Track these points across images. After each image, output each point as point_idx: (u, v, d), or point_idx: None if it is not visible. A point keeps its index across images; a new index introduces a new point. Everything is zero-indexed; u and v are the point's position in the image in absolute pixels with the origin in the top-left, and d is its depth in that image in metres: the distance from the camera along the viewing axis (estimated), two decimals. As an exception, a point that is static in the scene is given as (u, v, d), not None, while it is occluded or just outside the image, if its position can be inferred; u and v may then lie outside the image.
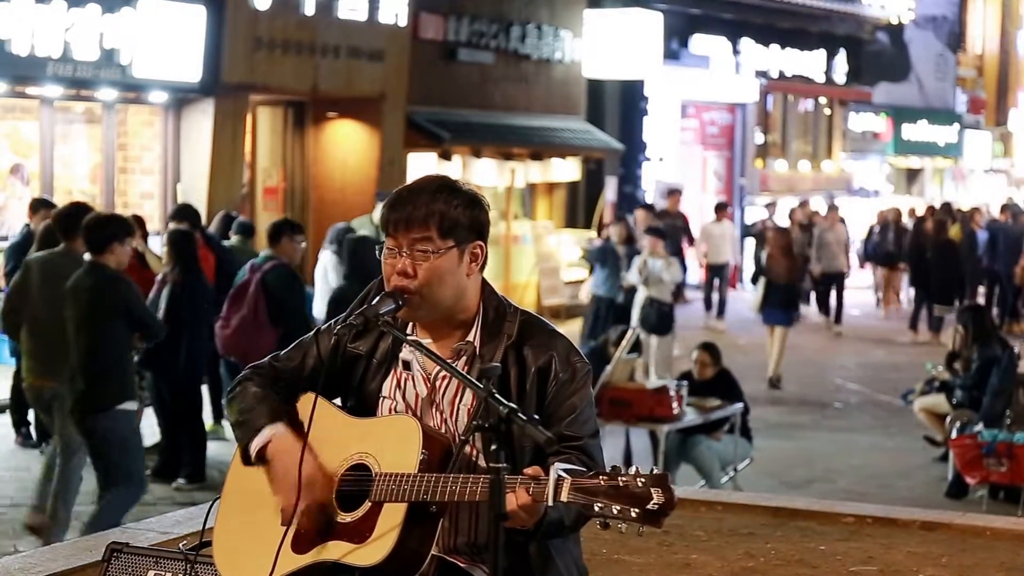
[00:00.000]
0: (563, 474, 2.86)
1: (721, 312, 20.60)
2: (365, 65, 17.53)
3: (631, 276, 14.50)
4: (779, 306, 15.65)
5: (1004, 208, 23.79)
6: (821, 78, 29.06)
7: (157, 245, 12.07)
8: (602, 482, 2.82)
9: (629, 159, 23.27)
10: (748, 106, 27.00)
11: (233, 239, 12.10)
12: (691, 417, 9.88)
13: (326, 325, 3.39)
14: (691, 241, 20.79)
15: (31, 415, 10.94)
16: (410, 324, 3.25)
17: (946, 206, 24.95)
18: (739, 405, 10.12)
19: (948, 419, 10.77)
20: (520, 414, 2.88)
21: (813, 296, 21.47)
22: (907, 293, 24.64)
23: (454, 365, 3.14)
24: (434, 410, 3.22)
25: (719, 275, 20.59)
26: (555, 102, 21.37)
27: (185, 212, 11.40)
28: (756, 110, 27.46)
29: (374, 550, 3.03)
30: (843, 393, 15.26)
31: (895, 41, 31.79)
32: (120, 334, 7.71)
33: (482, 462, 3.09)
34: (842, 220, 21.67)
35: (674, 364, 13.91)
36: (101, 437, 7.59)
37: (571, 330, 15.31)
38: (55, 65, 14.13)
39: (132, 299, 7.77)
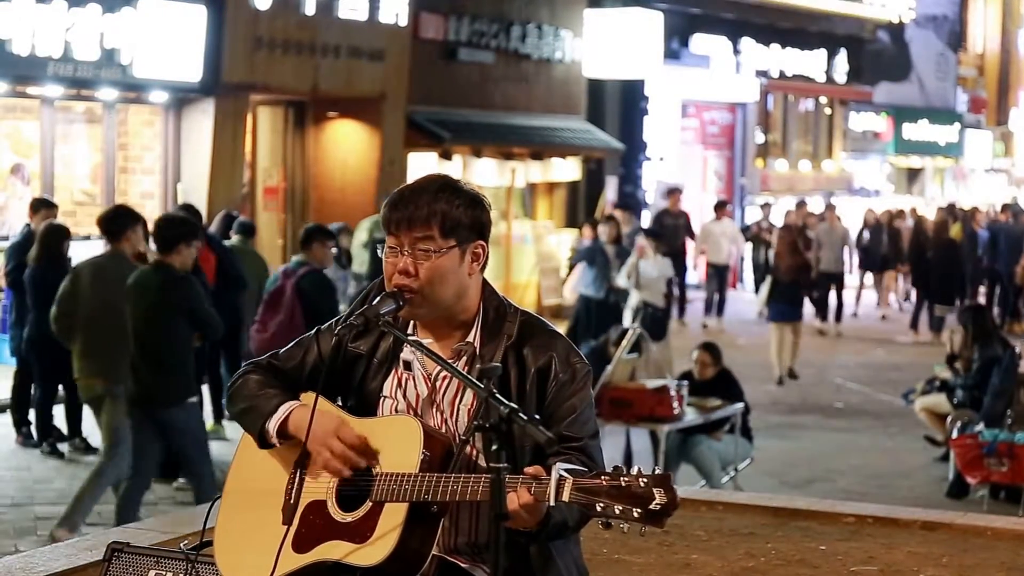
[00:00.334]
0: (565, 474, 2.86)
1: (720, 311, 20.52)
2: (365, 65, 17.53)
3: (620, 279, 14.42)
4: (786, 303, 15.86)
5: (1005, 208, 23.78)
6: (822, 78, 29.06)
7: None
8: (604, 482, 2.82)
9: (629, 159, 23.27)
10: (749, 106, 27.00)
11: (234, 239, 12.11)
12: (691, 417, 9.87)
13: (327, 324, 3.39)
14: (694, 239, 20.77)
15: (31, 415, 10.94)
16: (411, 324, 3.25)
17: (951, 206, 24.85)
18: (740, 405, 10.12)
19: (949, 419, 10.77)
20: (521, 414, 2.88)
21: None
22: (901, 296, 24.62)
23: (454, 365, 3.14)
24: (434, 410, 3.22)
25: (719, 275, 20.51)
26: (555, 102, 21.36)
27: (184, 212, 11.39)
28: (757, 110, 27.46)
29: (375, 550, 3.03)
30: (844, 393, 15.26)
31: (896, 40, 31.79)
32: (184, 331, 7.95)
33: (483, 462, 3.09)
34: (840, 220, 21.58)
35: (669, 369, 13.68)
36: (180, 429, 7.89)
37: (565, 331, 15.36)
38: (56, 65, 14.13)
39: (196, 299, 8.03)
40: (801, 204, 23.07)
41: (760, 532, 5.37)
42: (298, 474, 3.18)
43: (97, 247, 14.08)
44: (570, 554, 3.24)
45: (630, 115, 23.51)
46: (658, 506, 2.78)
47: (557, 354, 3.20)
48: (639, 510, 2.78)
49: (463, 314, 3.22)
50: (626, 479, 2.81)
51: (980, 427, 10.00)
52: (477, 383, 3.00)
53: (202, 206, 14.16)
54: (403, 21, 17.89)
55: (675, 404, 9.68)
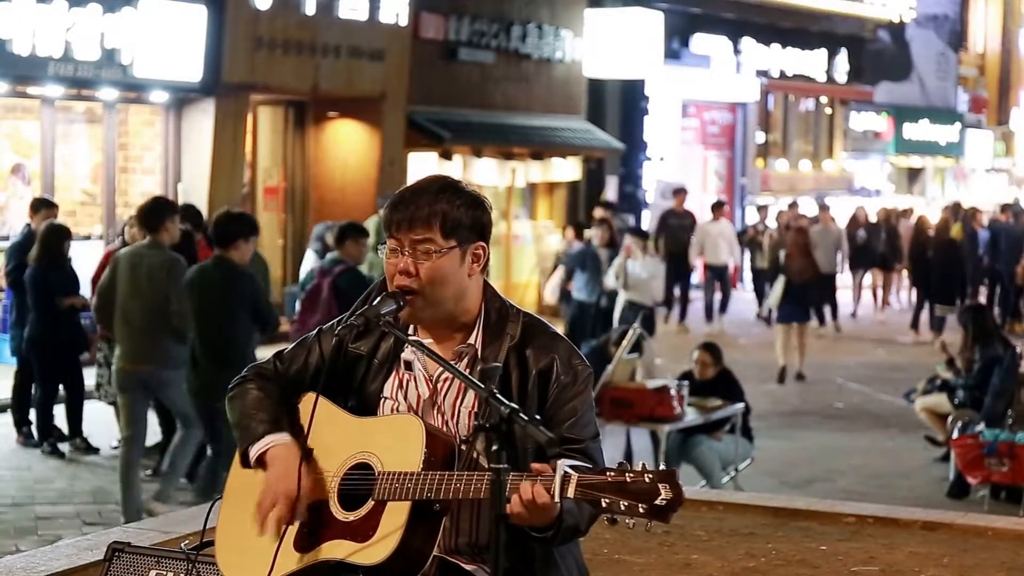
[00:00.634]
0: (569, 471, 2.87)
1: (723, 309, 20.25)
2: (366, 65, 17.53)
3: (609, 280, 14.20)
4: (797, 304, 16.04)
5: (1005, 208, 23.75)
6: (822, 77, 29.05)
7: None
8: (609, 478, 2.82)
9: (630, 159, 23.26)
10: (749, 105, 27.00)
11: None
12: (692, 417, 9.87)
13: (328, 325, 3.39)
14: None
15: (32, 414, 10.94)
16: (411, 327, 3.24)
17: (956, 205, 24.68)
18: (740, 405, 10.12)
19: (949, 419, 10.76)
20: (521, 414, 2.88)
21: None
22: (900, 296, 24.58)
23: (455, 367, 3.14)
24: (435, 411, 3.22)
25: (719, 276, 20.21)
26: (556, 102, 21.36)
27: (186, 212, 11.40)
28: (757, 109, 27.45)
29: (377, 549, 3.03)
30: (844, 393, 15.26)
31: (896, 40, 31.78)
32: (244, 325, 8.14)
33: (485, 462, 3.08)
34: (834, 220, 21.29)
35: (657, 371, 13.53)
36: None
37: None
38: (56, 65, 14.14)
39: (256, 293, 8.34)
40: (793, 205, 22.91)
41: (760, 532, 5.37)
42: (300, 474, 3.18)
43: (98, 247, 14.16)
44: (571, 555, 3.25)
45: (630, 115, 23.51)
46: (663, 501, 2.78)
47: (559, 356, 3.20)
48: (644, 506, 2.78)
49: (464, 315, 3.22)
50: (631, 475, 2.81)
51: (981, 427, 9.99)
52: (478, 383, 3.00)
53: (202, 206, 14.16)
54: (403, 21, 17.89)
55: (675, 404, 9.68)
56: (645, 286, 14.07)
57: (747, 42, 26.39)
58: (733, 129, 27.15)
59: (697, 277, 22.29)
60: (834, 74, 29.36)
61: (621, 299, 14.07)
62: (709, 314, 20.14)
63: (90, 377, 11.05)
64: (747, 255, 22.42)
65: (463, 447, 3.12)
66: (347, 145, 18.05)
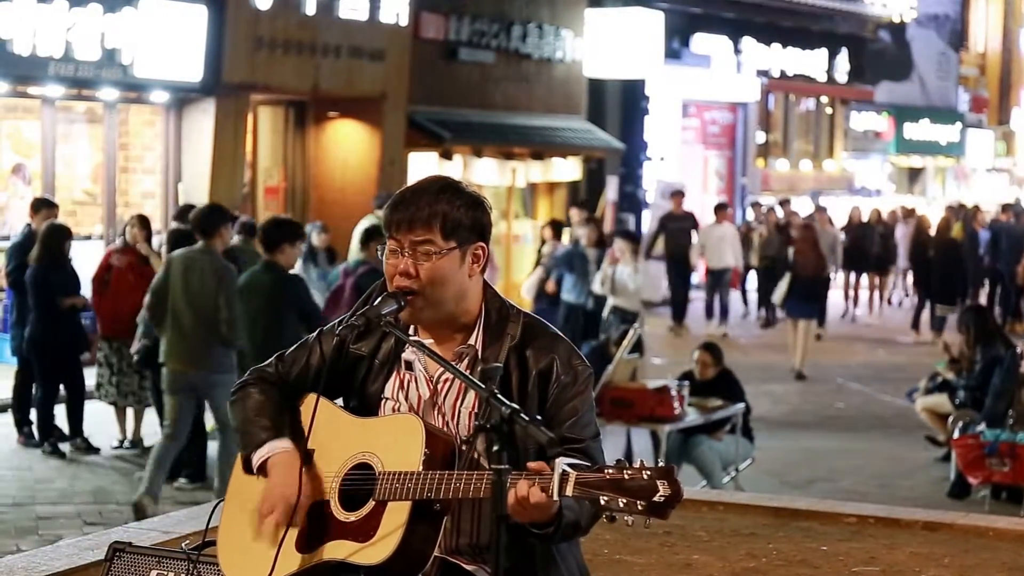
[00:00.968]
0: (568, 469, 2.87)
1: (724, 317, 19.80)
2: (366, 65, 17.53)
3: (595, 286, 13.87)
4: (804, 299, 16.20)
5: (1006, 207, 23.72)
6: (823, 77, 29.05)
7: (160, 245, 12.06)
8: (608, 476, 2.82)
9: (630, 158, 23.26)
10: (749, 105, 27.00)
11: (235, 239, 12.09)
12: (692, 417, 9.86)
13: (328, 326, 3.39)
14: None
15: (33, 414, 10.95)
16: (411, 328, 3.24)
17: (962, 206, 24.48)
18: (741, 405, 10.11)
19: (950, 419, 10.76)
20: (522, 415, 2.88)
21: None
22: (895, 295, 24.49)
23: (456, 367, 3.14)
24: (436, 412, 3.22)
25: (720, 280, 19.80)
26: (556, 101, 21.36)
27: (186, 212, 11.40)
28: (757, 109, 27.45)
29: (378, 549, 3.03)
30: (845, 393, 15.25)
31: (897, 40, 31.77)
32: (292, 327, 8.29)
33: (485, 463, 3.08)
34: (830, 221, 21.01)
35: (651, 372, 12.97)
36: None
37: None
38: (57, 65, 14.14)
39: (304, 295, 8.70)
40: (784, 203, 22.77)
41: (761, 532, 5.36)
42: (301, 474, 3.18)
43: (98, 247, 14.15)
44: (572, 555, 3.25)
45: (631, 115, 23.50)
46: (662, 498, 2.78)
47: (559, 356, 3.20)
48: (643, 503, 2.79)
49: (464, 316, 3.22)
50: (629, 472, 2.81)
51: (982, 427, 9.99)
52: (479, 383, 3.00)
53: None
54: (404, 21, 17.89)
55: (676, 404, 9.68)
56: (633, 292, 13.62)
57: (747, 42, 26.38)
58: (733, 129, 27.15)
59: (697, 278, 22.23)
60: (835, 74, 29.35)
61: (608, 304, 13.69)
62: (709, 312, 19.95)
63: (90, 377, 11.06)
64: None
65: (463, 447, 3.12)
66: (347, 145, 18.05)
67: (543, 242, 16.35)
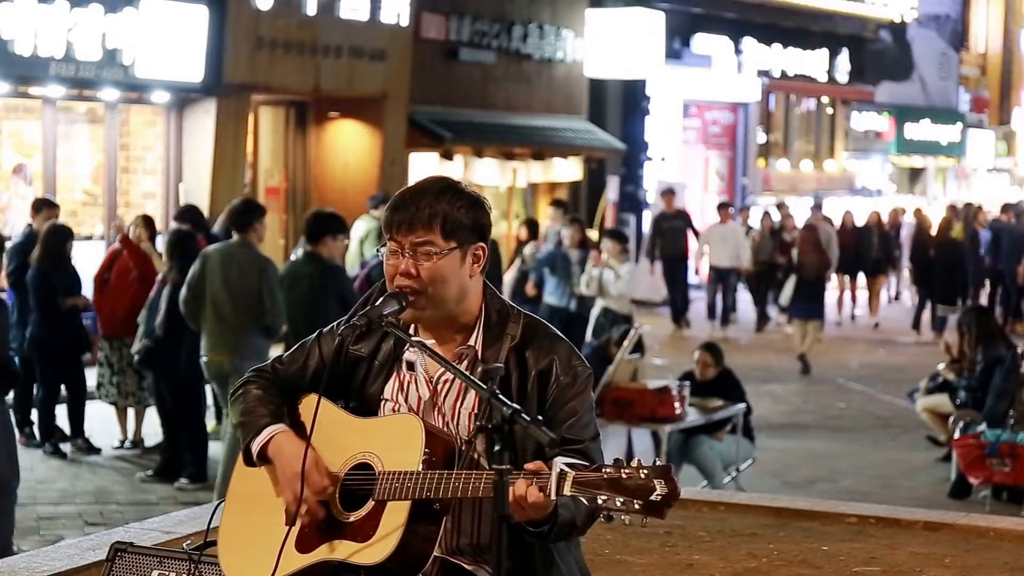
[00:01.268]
0: (566, 468, 2.87)
1: (726, 320, 19.58)
2: (367, 65, 17.53)
3: (581, 287, 13.60)
4: (810, 300, 16.51)
5: (1007, 208, 23.68)
6: (823, 77, 29.04)
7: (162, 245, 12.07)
8: (605, 475, 2.83)
9: (631, 159, 23.25)
10: (750, 105, 26.99)
11: (236, 237, 12.08)
12: (693, 417, 9.86)
13: (328, 327, 3.40)
14: (698, 236, 20.08)
15: (34, 415, 10.95)
16: (412, 328, 3.24)
17: (967, 206, 24.22)
18: (741, 405, 10.11)
19: (951, 419, 10.76)
20: (523, 415, 2.88)
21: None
22: (892, 293, 24.35)
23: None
24: (436, 413, 3.22)
25: (723, 280, 19.48)
26: (557, 102, 21.37)
27: (187, 213, 11.41)
28: (758, 109, 27.44)
29: (378, 549, 3.04)
30: (846, 393, 15.25)
31: (898, 40, 31.77)
32: (333, 316, 8.20)
33: (484, 463, 3.09)
34: (828, 221, 20.32)
35: (649, 372, 12.68)
36: None
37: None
38: (58, 65, 14.14)
39: (346, 286, 9.02)
40: (780, 205, 22.51)
41: (762, 533, 5.37)
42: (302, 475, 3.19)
43: (99, 247, 14.15)
44: (572, 556, 3.25)
45: (632, 115, 23.50)
46: (659, 497, 2.79)
47: (558, 357, 3.20)
48: (640, 502, 2.79)
49: (464, 316, 3.23)
50: (627, 471, 2.82)
51: (982, 427, 9.99)
52: (480, 384, 3.00)
53: (204, 206, 14.17)
54: (404, 21, 17.89)
55: (677, 404, 9.68)
56: (617, 295, 13.36)
57: (748, 42, 26.38)
58: (734, 129, 27.15)
59: (700, 278, 22.18)
60: (835, 74, 29.35)
61: (598, 306, 13.40)
62: (712, 312, 19.65)
63: (92, 377, 11.06)
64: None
65: (464, 447, 3.12)
66: (348, 145, 18.05)
67: (518, 242, 16.16)
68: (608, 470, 2.83)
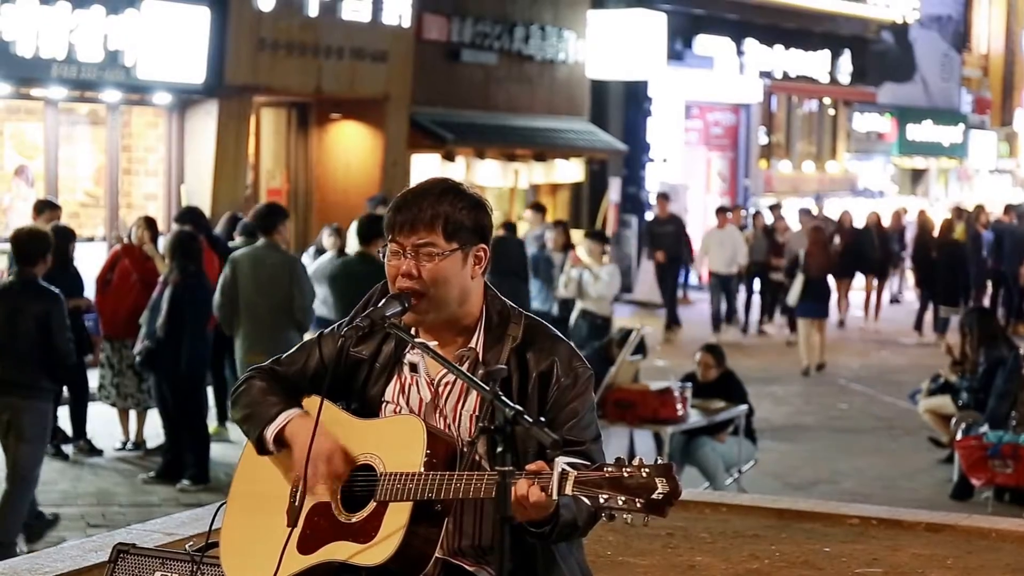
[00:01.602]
0: (567, 468, 2.87)
1: (727, 321, 19.26)
2: (369, 66, 17.54)
3: (559, 289, 13.47)
4: (817, 299, 16.74)
5: (1009, 209, 23.65)
6: (825, 78, 29.04)
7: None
8: (607, 474, 2.83)
9: (633, 160, 23.25)
10: (752, 107, 26.99)
11: (237, 240, 12.10)
12: (695, 419, 9.86)
13: (330, 328, 3.39)
14: (689, 244, 19.79)
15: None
16: (413, 329, 3.24)
17: (976, 207, 23.99)
18: (743, 407, 10.10)
19: (953, 420, 10.76)
20: (526, 416, 2.88)
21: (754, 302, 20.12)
22: (893, 297, 24.26)
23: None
24: (437, 415, 3.22)
25: (724, 286, 19.13)
26: (559, 103, 21.37)
27: (189, 214, 11.42)
28: (760, 111, 27.44)
29: (380, 550, 3.04)
30: (848, 394, 15.25)
31: (900, 41, 31.77)
32: None
33: (486, 465, 3.09)
34: (819, 222, 19.92)
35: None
36: None
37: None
38: (59, 67, 14.14)
39: None
40: (775, 207, 22.32)
41: (764, 534, 5.36)
42: (303, 467, 3.18)
43: (101, 249, 14.15)
44: (574, 557, 3.25)
45: (633, 116, 23.50)
46: (660, 496, 2.79)
47: (559, 358, 3.20)
48: (642, 500, 2.80)
49: (466, 318, 3.23)
50: (628, 470, 2.82)
51: (985, 429, 9.99)
52: (482, 385, 3.00)
53: (206, 208, 14.17)
54: (406, 22, 17.90)
55: (679, 406, 9.68)
56: (596, 297, 13.15)
57: (750, 43, 26.38)
58: (736, 130, 27.15)
59: (699, 282, 22.12)
60: (837, 75, 29.35)
61: (576, 308, 13.19)
62: (717, 324, 19.09)
63: (93, 379, 11.05)
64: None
65: (466, 449, 3.12)
66: (350, 147, 18.05)
67: None
68: (610, 469, 2.84)
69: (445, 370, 3.16)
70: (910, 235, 23.28)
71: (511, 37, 20.34)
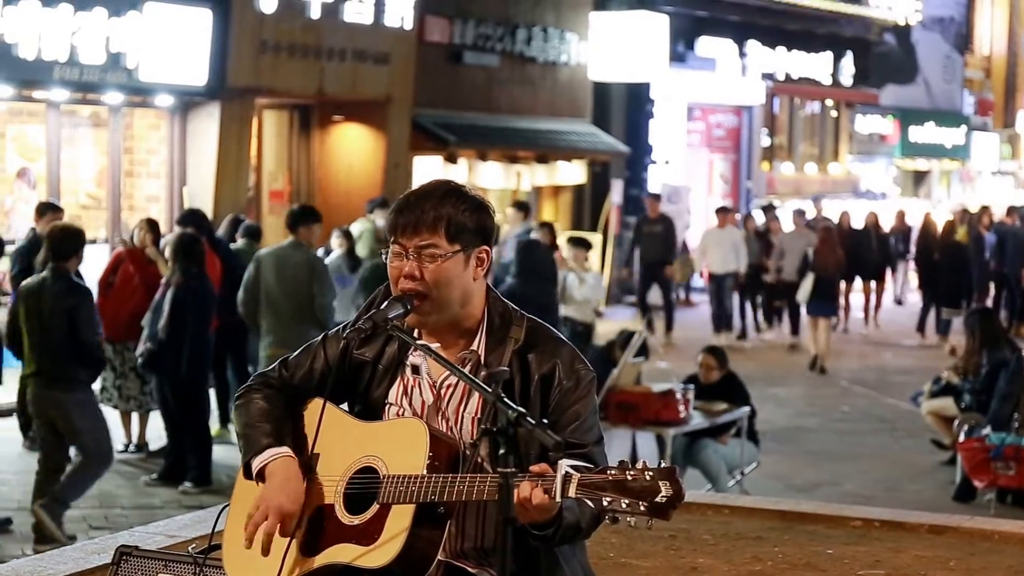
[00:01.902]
0: (570, 470, 2.87)
1: (728, 326, 18.95)
2: (371, 68, 17.54)
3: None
4: (825, 299, 17.06)
5: (1012, 210, 23.64)
6: (828, 80, 29.04)
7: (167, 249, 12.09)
8: (610, 477, 2.83)
9: (635, 162, 23.25)
10: (754, 108, 26.99)
11: (239, 242, 12.12)
12: (698, 421, 9.85)
13: (334, 330, 3.40)
14: (672, 247, 19.30)
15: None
16: (416, 331, 3.24)
17: (983, 208, 23.89)
18: (746, 409, 10.10)
19: (956, 422, 10.75)
20: (528, 418, 2.88)
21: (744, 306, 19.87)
22: (896, 298, 24.24)
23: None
24: (440, 418, 3.22)
25: (722, 286, 18.86)
26: (561, 105, 21.38)
27: (191, 217, 11.42)
28: (762, 112, 27.44)
29: (382, 552, 3.04)
30: (850, 396, 15.24)
31: (902, 43, 31.77)
32: None
33: (488, 467, 3.09)
34: (810, 227, 19.81)
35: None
36: None
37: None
38: (61, 69, 14.15)
39: None
40: (769, 208, 22.12)
41: (767, 536, 5.36)
42: (306, 479, 3.19)
43: (103, 251, 14.16)
44: (577, 559, 3.25)
45: (636, 118, 23.50)
46: (664, 499, 2.79)
47: (561, 361, 3.20)
48: (645, 503, 2.80)
49: (468, 320, 3.23)
50: (631, 473, 2.82)
51: (987, 431, 9.98)
52: (485, 387, 3.00)
53: (208, 210, 14.16)
54: (408, 24, 17.90)
55: (681, 408, 9.67)
56: (581, 301, 13.02)
57: (752, 45, 26.38)
58: (738, 132, 27.15)
59: (702, 282, 22.07)
60: (840, 77, 29.35)
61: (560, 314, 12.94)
62: (718, 326, 18.85)
63: (96, 381, 11.04)
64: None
65: (468, 451, 3.12)
66: (352, 149, 18.06)
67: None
68: (613, 472, 2.84)
69: (447, 373, 3.16)
70: (915, 236, 23.19)
71: (513, 39, 20.35)
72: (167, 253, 10.38)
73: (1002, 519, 6.32)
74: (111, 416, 11.06)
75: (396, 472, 3.07)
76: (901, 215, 24.69)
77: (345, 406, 3.34)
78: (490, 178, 19.70)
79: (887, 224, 23.06)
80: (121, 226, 15.06)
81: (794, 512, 5.69)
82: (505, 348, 3.20)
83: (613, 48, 21.81)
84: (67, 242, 8.39)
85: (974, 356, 11.03)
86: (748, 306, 20.19)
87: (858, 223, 21.60)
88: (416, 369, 3.24)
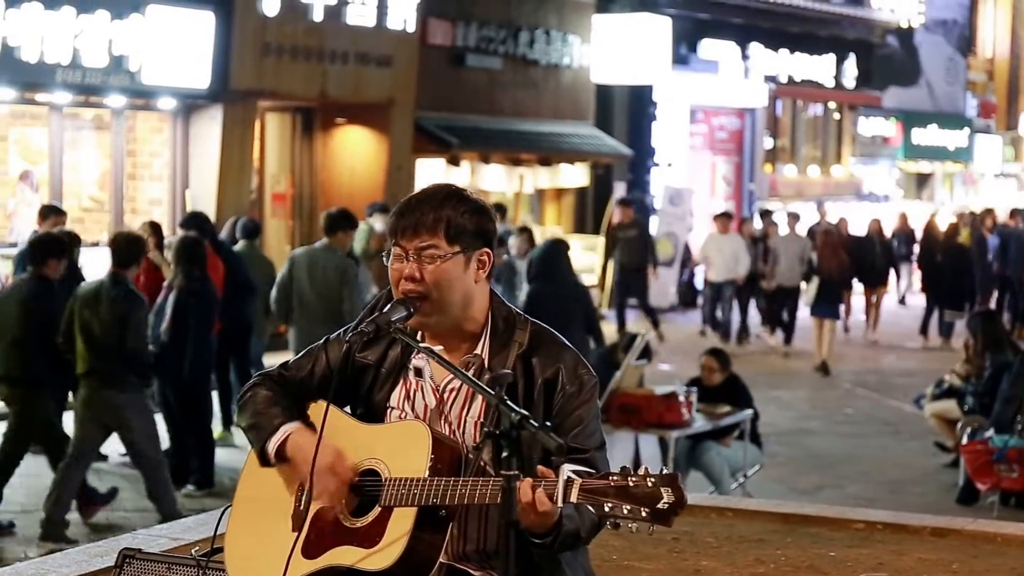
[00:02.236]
0: (572, 475, 2.87)
1: (725, 335, 18.72)
2: (373, 71, 17.55)
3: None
4: (829, 301, 17.21)
5: (1014, 213, 23.62)
6: (831, 83, 29.04)
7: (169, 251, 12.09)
8: (612, 483, 2.83)
9: (638, 164, 23.25)
10: (757, 111, 26.99)
11: (240, 243, 12.11)
12: (700, 423, 9.85)
13: (336, 333, 3.40)
14: (651, 250, 18.90)
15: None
16: (419, 335, 3.24)
17: (988, 211, 23.79)
18: (749, 411, 10.09)
19: (959, 425, 10.75)
20: (531, 420, 2.88)
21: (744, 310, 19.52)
22: (900, 298, 24.19)
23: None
24: (442, 422, 3.22)
25: (719, 293, 18.78)
26: (564, 107, 21.38)
27: (193, 220, 11.42)
28: (765, 115, 27.44)
29: (384, 555, 3.04)
30: (853, 399, 15.24)
31: (905, 45, 31.76)
32: None
33: (491, 471, 3.09)
34: (810, 232, 19.71)
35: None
36: None
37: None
38: (64, 72, 14.16)
39: None
40: (766, 213, 22.04)
41: (770, 539, 5.36)
42: (308, 481, 3.19)
43: (106, 254, 14.14)
44: (579, 562, 3.25)
45: (638, 121, 23.50)
46: (666, 505, 2.79)
47: (565, 365, 3.20)
48: (647, 510, 2.80)
49: (471, 324, 3.23)
50: (633, 479, 2.82)
51: (990, 433, 9.98)
52: (488, 389, 3.00)
53: (210, 212, 14.16)
54: (411, 27, 17.91)
55: (684, 410, 9.66)
56: None
57: (755, 47, 26.38)
58: (741, 135, 27.15)
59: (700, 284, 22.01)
60: (842, 79, 29.34)
61: None
62: (715, 325, 18.84)
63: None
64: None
65: (471, 455, 3.12)
66: (355, 151, 18.06)
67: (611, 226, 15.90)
68: (615, 478, 2.84)
69: (450, 376, 3.16)
70: (918, 238, 23.14)
71: (516, 41, 20.35)
72: (170, 256, 10.39)
73: (1005, 522, 6.31)
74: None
75: (398, 475, 3.07)
76: (904, 217, 24.69)
77: (348, 409, 3.35)
78: (493, 181, 19.70)
79: (890, 229, 23.01)
80: (123, 229, 15.06)
81: (797, 515, 5.69)
82: (509, 352, 3.20)
83: (616, 50, 21.81)
84: (129, 250, 8.72)
85: (977, 359, 11.03)
86: (748, 309, 20.10)
87: (859, 228, 21.54)
88: (419, 372, 3.24)
